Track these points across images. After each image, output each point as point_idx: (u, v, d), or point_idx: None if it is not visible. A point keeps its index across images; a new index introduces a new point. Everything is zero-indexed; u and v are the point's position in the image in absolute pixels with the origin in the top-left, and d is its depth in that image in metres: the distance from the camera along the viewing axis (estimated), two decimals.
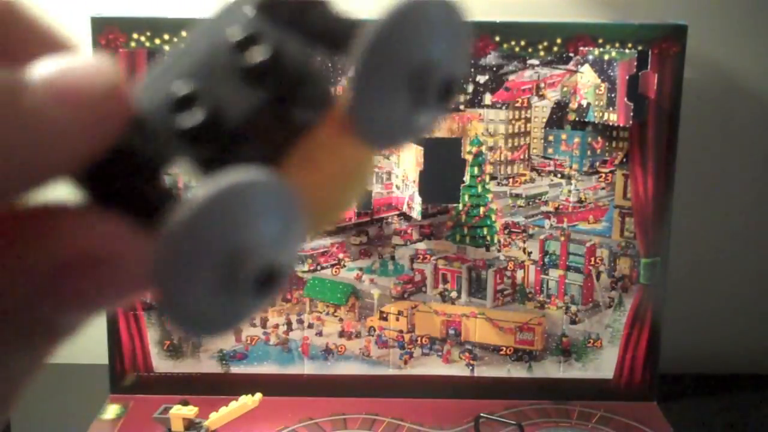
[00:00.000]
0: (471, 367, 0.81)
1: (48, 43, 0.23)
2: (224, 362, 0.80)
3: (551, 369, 0.81)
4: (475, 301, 0.80)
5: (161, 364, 0.80)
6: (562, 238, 0.79)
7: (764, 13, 0.86)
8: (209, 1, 0.75)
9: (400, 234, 0.79)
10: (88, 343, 0.91)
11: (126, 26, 0.73)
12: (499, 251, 0.79)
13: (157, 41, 0.74)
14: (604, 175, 0.77)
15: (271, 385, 0.80)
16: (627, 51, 0.72)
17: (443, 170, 0.76)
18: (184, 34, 0.73)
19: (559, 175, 0.77)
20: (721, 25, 0.85)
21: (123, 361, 0.80)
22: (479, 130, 0.76)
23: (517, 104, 0.76)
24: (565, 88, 0.76)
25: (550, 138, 0.77)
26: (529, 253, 0.79)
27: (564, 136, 0.77)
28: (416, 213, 0.73)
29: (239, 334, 0.80)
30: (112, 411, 0.78)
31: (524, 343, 0.80)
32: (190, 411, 0.73)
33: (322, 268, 0.79)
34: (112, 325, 0.79)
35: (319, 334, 0.80)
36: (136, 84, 0.20)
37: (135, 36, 0.74)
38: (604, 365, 0.81)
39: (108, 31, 0.73)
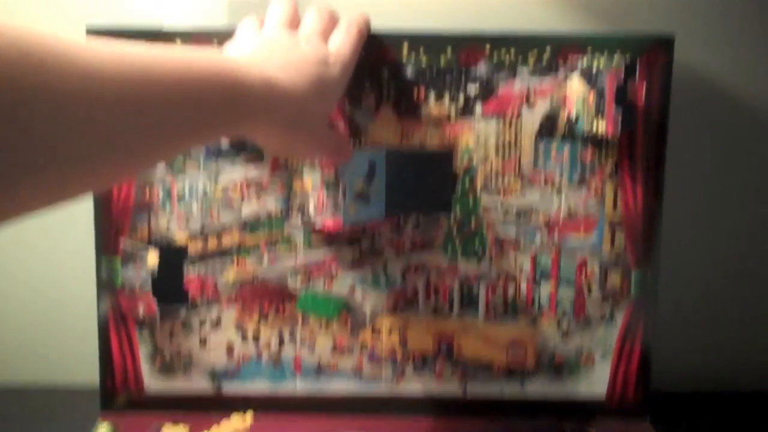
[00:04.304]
0: (463, 384, 0.80)
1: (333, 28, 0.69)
2: (216, 380, 0.80)
3: (544, 386, 0.80)
4: (468, 316, 0.80)
5: (152, 382, 0.79)
6: (553, 251, 0.79)
7: (752, 23, 0.87)
8: (203, 13, 0.77)
9: (393, 247, 0.79)
10: (79, 363, 0.91)
11: (121, 36, 0.73)
12: (490, 264, 0.79)
13: None
14: (593, 186, 0.77)
15: (263, 403, 0.80)
16: (615, 60, 0.73)
17: (434, 182, 0.77)
18: (179, 43, 0.74)
19: (549, 187, 0.78)
20: (709, 36, 0.87)
21: (114, 380, 0.79)
22: (470, 142, 0.77)
23: (508, 115, 0.77)
24: (554, 99, 0.76)
25: (540, 149, 0.77)
26: (521, 266, 0.79)
27: (554, 147, 0.77)
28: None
29: (231, 350, 0.79)
30: (103, 431, 0.77)
31: (516, 359, 0.80)
32: (182, 431, 0.73)
33: (315, 281, 0.79)
34: (104, 343, 0.79)
35: (312, 349, 0.80)
36: None
37: None
38: (596, 382, 0.80)
39: None
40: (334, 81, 0.65)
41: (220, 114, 0.55)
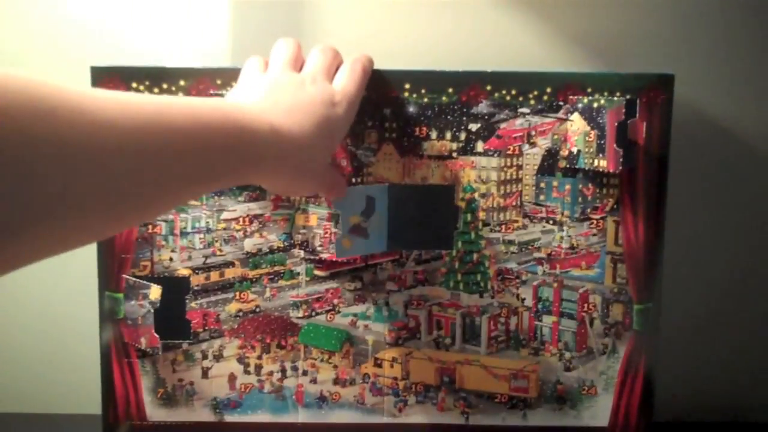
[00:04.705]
0: (466, 416, 0.80)
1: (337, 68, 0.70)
2: (218, 411, 0.80)
3: (546, 417, 0.80)
4: (470, 348, 0.80)
5: (155, 412, 0.80)
6: (555, 285, 0.79)
7: (750, 60, 0.88)
8: (206, 53, 0.78)
9: (395, 280, 0.79)
10: (81, 393, 0.91)
11: (126, 76, 0.75)
12: (492, 297, 0.79)
13: (156, 90, 0.75)
14: (595, 221, 0.78)
15: None
16: (615, 99, 0.73)
17: (436, 216, 0.77)
18: (182, 83, 0.75)
19: (551, 222, 0.78)
20: (708, 73, 0.87)
21: (116, 411, 0.79)
22: (472, 177, 0.77)
23: (509, 152, 0.77)
24: (555, 136, 0.77)
25: (542, 185, 0.78)
26: (523, 300, 0.79)
27: (555, 183, 0.77)
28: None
29: (233, 381, 0.79)
30: None
31: (519, 390, 0.80)
32: None
33: (317, 314, 0.79)
34: (107, 374, 0.79)
35: (314, 381, 0.80)
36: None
37: (134, 85, 0.75)
38: (599, 413, 0.80)
39: (108, 81, 0.74)
40: (340, 120, 0.66)
41: (226, 162, 0.55)
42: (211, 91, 0.75)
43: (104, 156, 0.44)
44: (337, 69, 0.70)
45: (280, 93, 0.63)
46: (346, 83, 0.68)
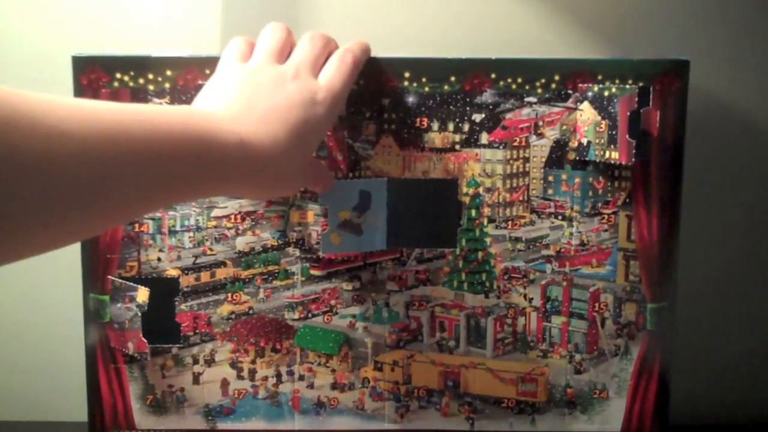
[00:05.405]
0: (471, 421, 0.78)
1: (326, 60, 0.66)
2: (210, 418, 0.78)
3: (555, 422, 0.78)
4: (475, 351, 0.78)
5: (143, 420, 0.77)
6: (565, 283, 0.77)
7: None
8: (194, 41, 0.76)
9: (395, 279, 0.77)
10: (66, 400, 0.90)
11: (108, 66, 0.73)
12: (498, 298, 0.77)
13: (141, 81, 0.73)
14: (606, 216, 0.76)
15: None
16: (627, 87, 0.71)
17: (439, 213, 0.75)
18: (168, 73, 0.73)
19: (560, 217, 0.76)
20: (725, 59, 0.86)
21: (103, 418, 0.77)
22: (476, 171, 0.75)
23: (515, 143, 0.75)
24: (564, 126, 0.75)
25: (550, 178, 0.76)
26: (531, 300, 0.77)
27: (564, 176, 0.76)
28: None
29: (226, 387, 0.77)
30: None
31: (527, 394, 0.78)
32: None
33: (314, 315, 0.77)
34: (92, 380, 0.77)
35: (311, 386, 0.78)
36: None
37: (118, 75, 0.73)
38: (611, 417, 0.78)
39: (90, 71, 0.72)
40: (320, 121, 0.62)
41: (187, 176, 0.53)
42: (200, 81, 0.73)
43: (59, 166, 0.44)
44: (328, 57, 0.67)
45: (256, 93, 0.61)
46: (331, 78, 0.65)
